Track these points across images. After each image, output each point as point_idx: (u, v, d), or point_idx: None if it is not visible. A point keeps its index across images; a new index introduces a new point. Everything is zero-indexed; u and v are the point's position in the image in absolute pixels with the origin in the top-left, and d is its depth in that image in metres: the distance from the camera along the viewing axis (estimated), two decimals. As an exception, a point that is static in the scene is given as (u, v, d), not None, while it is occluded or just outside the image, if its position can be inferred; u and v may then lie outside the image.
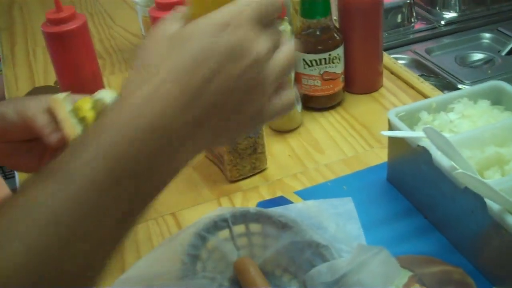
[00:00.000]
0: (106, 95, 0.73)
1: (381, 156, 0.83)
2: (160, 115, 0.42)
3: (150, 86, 0.42)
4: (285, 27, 0.84)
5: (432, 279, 0.65)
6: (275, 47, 0.46)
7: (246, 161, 0.81)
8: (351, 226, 0.71)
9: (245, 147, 0.80)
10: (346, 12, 0.92)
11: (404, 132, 0.69)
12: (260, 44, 0.44)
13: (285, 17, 0.85)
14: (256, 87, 0.45)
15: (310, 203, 0.75)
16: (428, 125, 0.63)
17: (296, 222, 0.67)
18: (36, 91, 1.11)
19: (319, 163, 0.82)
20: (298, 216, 0.69)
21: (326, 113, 0.92)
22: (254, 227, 0.69)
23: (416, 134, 0.69)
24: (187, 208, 0.78)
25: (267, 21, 0.45)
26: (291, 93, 0.48)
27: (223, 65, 0.43)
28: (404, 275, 0.65)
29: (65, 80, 0.97)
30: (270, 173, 0.83)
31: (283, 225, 0.67)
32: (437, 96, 0.82)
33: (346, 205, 0.74)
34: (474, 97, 0.76)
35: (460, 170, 0.57)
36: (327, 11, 0.87)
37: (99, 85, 1.00)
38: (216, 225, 0.68)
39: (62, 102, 0.70)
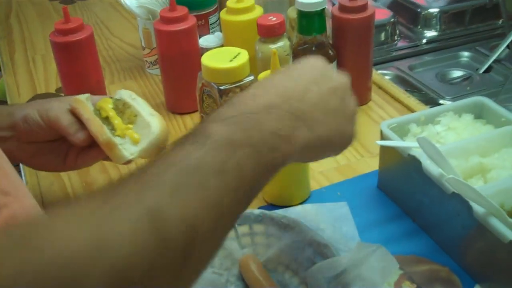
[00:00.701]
0: (125, 94, 0.78)
1: (371, 164, 0.89)
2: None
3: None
4: (285, 42, 0.90)
5: (421, 277, 0.71)
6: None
7: (246, 167, 0.87)
8: (347, 228, 0.77)
9: (246, 154, 0.86)
10: (339, 29, 0.98)
11: (397, 142, 0.76)
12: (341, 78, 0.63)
13: (284, 33, 0.90)
14: (347, 99, 0.62)
15: (308, 207, 0.81)
16: (421, 136, 0.70)
17: (297, 223, 0.72)
18: (38, 98, 1.15)
19: (314, 170, 0.88)
20: (297, 218, 0.74)
21: (319, 124, 0.98)
22: (258, 227, 0.74)
23: (407, 144, 0.75)
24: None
25: None
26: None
27: (318, 83, 0.59)
28: (395, 274, 0.71)
29: (70, 88, 1.01)
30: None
31: (285, 226, 0.73)
32: (425, 110, 0.88)
33: (342, 208, 0.80)
34: (459, 111, 0.82)
35: (451, 176, 0.64)
36: (323, 29, 0.93)
37: (103, 94, 1.05)
38: None
39: (86, 102, 0.74)
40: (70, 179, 0.91)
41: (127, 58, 1.26)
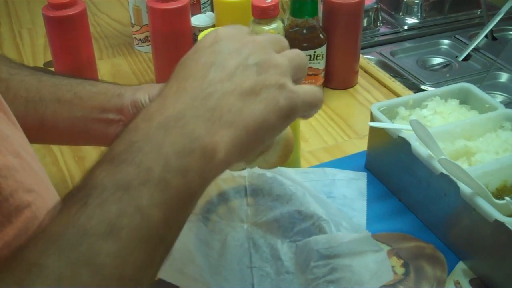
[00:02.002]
0: None
1: (358, 145, 0.92)
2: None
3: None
4: (278, 24, 0.92)
5: (407, 253, 0.74)
6: (281, 47, 0.51)
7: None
8: (358, 204, 0.78)
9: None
10: (330, 13, 1.00)
11: (388, 124, 0.79)
12: (261, 37, 0.50)
13: (278, 16, 0.92)
14: (266, 64, 0.47)
15: (328, 170, 0.82)
16: (414, 118, 0.73)
17: (305, 193, 0.75)
18: (26, 72, 1.15)
19: (303, 150, 0.90)
20: (314, 179, 0.76)
21: (307, 105, 1.01)
22: (267, 188, 0.77)
23: (398, 126, 0.78)
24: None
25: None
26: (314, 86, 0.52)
27: (223, 59, 0.47)
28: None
29: (61, 62, 1.02)
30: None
31: (292, 194, 0.75)
32: (413, 94, 0.91)
33: (359, 180, 0.81)
34: (445, 96, 0.86)
35: (443, 157, 0.67)
36: (315, 12, 0.95)
37: (93, 69, 1.05)
38: (234, 179, 0.75)
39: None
40: (62, 154, 0.92)
41: (115, 35, 1.26)
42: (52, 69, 1.09)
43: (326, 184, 0.80)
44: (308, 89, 0.50)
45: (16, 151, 0.44)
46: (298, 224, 0.72)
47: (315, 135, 0.95)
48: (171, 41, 1.01)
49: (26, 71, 0.74)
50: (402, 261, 0.73)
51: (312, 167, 0.87)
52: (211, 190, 0.76)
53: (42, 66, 1.16)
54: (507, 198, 0.63)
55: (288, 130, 0.63)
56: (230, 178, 0.77)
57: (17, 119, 0.49)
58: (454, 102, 0.85)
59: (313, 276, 0.66)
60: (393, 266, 0.72)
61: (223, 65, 0.47)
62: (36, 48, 1.22)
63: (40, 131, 0.70)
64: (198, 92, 0.45)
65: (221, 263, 0.68)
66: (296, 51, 0.52)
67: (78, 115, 0.70)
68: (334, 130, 0.96)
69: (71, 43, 1.00)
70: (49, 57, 1.10)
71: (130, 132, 0.44)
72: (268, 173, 0.78)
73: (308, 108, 0.50)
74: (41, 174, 0.47)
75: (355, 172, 0.84)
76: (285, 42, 0.53)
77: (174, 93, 0.46)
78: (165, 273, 0.59)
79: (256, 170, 0.76)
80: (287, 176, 0.78)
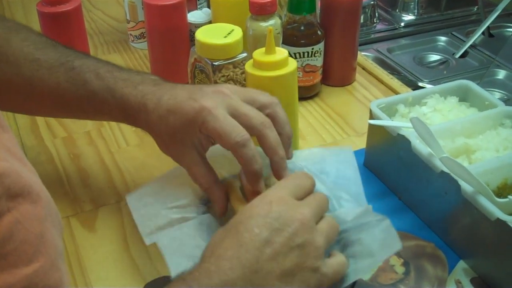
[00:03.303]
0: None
1: (356, 143, 0.91)
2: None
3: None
4: (276, 21, 0.91)
5: (408, 252, 0.73)
6: (317, 214, 0.60)
7: (236, 143, 0.88)
8: (350, 172, 0.76)
9: (236, 130, 0.87)
10: (328, 9, 0.99)
11: (388, 121, 0.78)
12: (301, 210, 0.57)
13: (275, 12, 0.91)
14: (307, 247, 0.56)
15: (315, 150, 0.80)
16: (415, 116, 0.72)
17: (300, 171, 0.73)
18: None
19: (302, 147, 0.90)
20: (305, 160, 0.75)
21: (305, 103, 1.00)
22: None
23: (398, 123, 0.77)
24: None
25: (302, 194, 0.60)
26: (341, 257, 0.60)
27: (271, 235, 0.55)
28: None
29: (56, 59, 1.01)
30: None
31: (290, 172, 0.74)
32: (412, 91, 0.91)
33: (347, 153, 0.79)
34: (444, 94, 0.85)
35: (445, 155, 0.66)
36: (313, 8, 0.95)
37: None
38: (231, 163, 0.73)
39: (237, 190, 0.69)
40: (58, 152, 0.91)
41: (110, 31, 1.25)
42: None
43: (317, 162, 0.79)
44: (337, 269, 0.59)
45: (4, 155, 0.43)
46: None
47: (313, 133, 0.94)
48: (167, 38, 1.00)
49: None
50: (402, 260, 0.72)
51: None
52: None
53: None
54: (510, 196, 0.63)
55: None
56: (226, 163, 0.76)
57: None
58: (453, 100, 0.84)
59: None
60: (393, 266, 0.72)
61: (272, 242, 0.54)
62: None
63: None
64: (249, 265, 0.53)
65: None
66: (332, 221, 0.62)
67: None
68: (332, 128, 0.95)
69: (65, 40, 0.98)
70: (44, 54, 1.09)
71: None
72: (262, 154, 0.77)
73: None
74: (29, 177, 0.46)
75: (340, 146, 0.85)
76: (327, 205, 0.63)
77: (230, 259, 0.53)
78: None
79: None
80: None
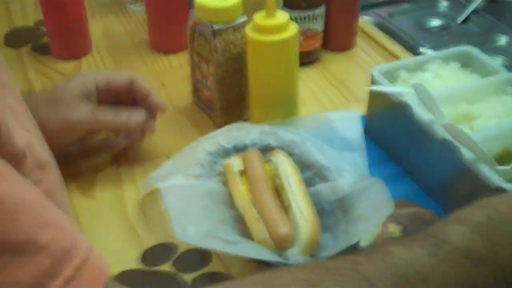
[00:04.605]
0: (284, 161, 0.71)
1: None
2: None
3: None
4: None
5: (406, 219, 0.73)
6: None
7: (235, 109, 0.87)
8: (355, 142, 0.77)
9: (235, 95, 0.86)
10: (329, -28, 0.98)
11: (389, 88, 0.77)
12: None
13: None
14: None
15: (321, 114, 0.82)
16: (417, 82, 0.71)
17: (304, 142, 0.75)
18: (16, 32, 1.12)
19: (302, 113, 0.89)
20: (309, 127, 0.77)
21: (305, 68, 0.99)
22: (263, 140, 0.77)
23: (400, 89, 0.76)
24: (179, 150, 0.83)
25: None
26: None
27: None
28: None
29: (52, 22, 0.99)
30: (255, 120, 0.88)
31: (292, 143, 0.76)
32: (414, 57, 0.90)
33: (353, 118, 0.80)
34: (446, 60, 0.84)
35: (448, 121, 0.65)
36: (314, -29, 0.93)
37: (84, 29, 1.03)
38: (234, 136, 0.76)
39: (236, 174, 0.71)
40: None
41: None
42: (43, 28, 1.06)
43: (323, 129, 0.79)
44: None
45: (26, 125, 0.43)
46: (301, 173, 0.72)
47: (313, 98, 0.93)
48: (165, 1, 0.98)
49: None
50: (401, 227, 0.72)
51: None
52: (211, 147, 0.76)
53: (32, 25, 1.13)
54: (512, 164, 0.63)
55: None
56: (231, 136, 0.76)
57: None
58: (455, 66, 0.83)
59: (333, 222, 0.68)
60: (392, 233, 0.71)
61: None
62: (26, 6, 1.19)
63: None
64: None
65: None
66: None
67: None
68: (333, 94, 0.94)
69: (62, 1, 0.97)
70: (40, 16, 1.08)
71: (489, 208, 0.48)
72: (266, 127, 0.77)
73: None
74: (45, 146, 0.46)
75: (347, 110, 0.83)
76: None
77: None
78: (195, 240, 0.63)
79: (254, 125, 0.78)
80: (284, 128, 0.78)
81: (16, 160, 0.39)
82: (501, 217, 0.45)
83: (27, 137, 0.42)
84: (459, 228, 0.44)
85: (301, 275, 0.43)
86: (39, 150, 0.43)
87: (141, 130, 0.78)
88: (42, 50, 1.05)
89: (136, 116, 0.75)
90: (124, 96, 0.79)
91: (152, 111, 0.79)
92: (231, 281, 0.46)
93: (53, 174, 0.45)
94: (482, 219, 0.45)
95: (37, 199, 0.38)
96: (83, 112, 0.73)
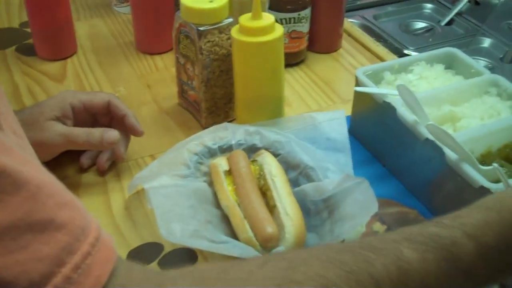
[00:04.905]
0: (270, 162, 0.71)
1: (342, 111, 0.91)
2: None
3: None
4: (262, -14, 0.89)
5: (391, 218, 0.74)
6: None
7: (221, 110, 0.87)
8: (340, 143, 0.78)
9: (221, 96, 0.86)
10: (315, -25, 0.98)
11: (374, 89, 0.78)
12: None
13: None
14: None
15: (307, 115, 0.82)
16: (401, 83, 0.72)
17: (289, 142, 0.75)
18: (1, 33, 1.11)
19: (287, 114, 0.89)
20: (296, 127, 0.78)
21: (290, 70, 0.99)
22: (249, 139, 0.77)
23: (385, 91, 0.77)
24: (164, 150, 0.83)
25: None
26: None
27: None
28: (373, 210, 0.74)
29: (38, 23, 0.99)
30: (241, 121, 0.89)
31: (278, 144, 0.76)
32: (399, 59, 0.90)
33: (339, 119, 0.81)
34: (431, 61, 0.85)
35: (431, 122, 0.66)
36: (299, -27, 0.93)
37: (71, 30, 1.02)
38: (220, 136, 0.76)
39: (221, 174, 0.71)
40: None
41: (93, -5, 1.23)
42: (28, 30, 1.06)
43: (308, 130, 0.80)
44: None
45: (13, 128, 0.43)
46: (286, 174, 0.72)
47: (299, 99, 0.94)
48: (151, 2, 0.98)
49: None
50: (385, 227, 0.72)
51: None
52: (197, 147, 0.76)
53: (17, 27, 1.13)
54: (494, 164, 0.63)
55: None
56: (217, 136, 0.77)
57: None
58: (439, 67, 0.84)
59: (318, 222, 0.69)
60: (376, 232, 0.72)
61: None
62: (11, 8, 1.18)
63: None
64: None
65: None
66: None
67: None
68: (318, 95, 0.94)
69: (47, 3, 0.96)
70: (25, 18, 1.07)
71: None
72: (251, 127, 0.78)
73: None
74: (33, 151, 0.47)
75: (333, 111, 0.84)
76: None
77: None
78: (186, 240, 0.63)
79: (240, 126, 0.79)
80: (269, 129, 0.78)
81: None
82: None
83: (16, 140, 0.43)
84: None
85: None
86: (28, 153, 0.44)
87: (120, 148, 0.80)
88: (27, 51, 1.05)
89: (109, 136, 0.77)
90: (101, 117, 0.81)
91: (128, 133, 0.81)
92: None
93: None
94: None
95: (54, 181, 0.41)
96: (56, 134, 0.76)
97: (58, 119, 0.77)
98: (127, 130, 0.81)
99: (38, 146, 0.72)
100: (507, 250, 0.48)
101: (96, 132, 0.77)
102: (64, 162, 0.81)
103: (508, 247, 0.48)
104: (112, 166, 0.81)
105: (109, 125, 0.81)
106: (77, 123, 0.79)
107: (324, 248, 0.49)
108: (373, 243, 0.47)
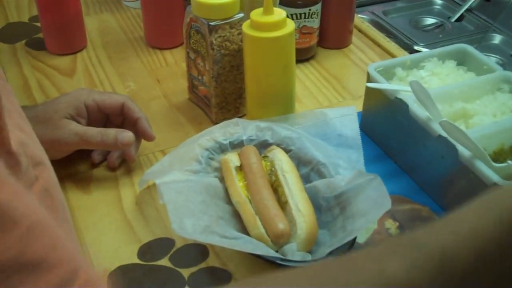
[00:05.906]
0: (281, 158, 0.71)
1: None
2: None
3: None
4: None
5: (403, 215, 0.73)
6: None
7: (231, 105, 0.87)
8: (352, 139, 0.78)
9: (231, 91, 0.86)
10: (326, -30, 0.98)
11: (386, 85, 0.77)
12: None
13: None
14: None
15: (318, 111, 0.82)
16: (414, 79, 0.71)
17: (301, 138, 0.75)
18: (11, 28, 1.11)
19: (297, 110, 0.89)
20: (307, 123, 0.78)
21: (301, 65, 0.99)
22: (261, 135, 0.77)
23: (397, 87, 0.77)
24: (175, 146, 0.83)
25: None
26: None
27: None
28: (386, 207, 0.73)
29: (47, 18, 0.99)
30: (252, 116, 0.88)
31: (289, 140, 0.76)
32: (410, 55, 0.90)
33: (350, 115, 0.80)
34: (442, 57, 0.84)
35: (444, 119, 0.66)
36: (310, -31, 0.93)
37: (80, 25, 1.02)
38: (231, 132, 0.76)
39: (232, 170, 0.71)
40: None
41: (102, -10, 1.23)
42: (38, 24, 1.06)
43: (319, 126, 0.79)
44: None
45: (19, 125, 0.43)
46: (297, 170, 0.72)
47: (309, 96, 0.93)
48: (162, -3, 0.98)
49: None
50: (397, 224, 0.72)
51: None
52: (208, 143, 0.76)
53: (27, 21, 1.13)
54: (509, 161, 0.63)
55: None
56: (228, 132, 0.77)
57: None
58: (451, 64, 0.84)
59: (330, 218, 0.68)
60: (388, 229, 0.72)
61: None
62: (21, 2, 1.18)
63: None
64: None
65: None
66: None
67: None
68: (328, 91, 0.94)
69: (57, -2, 0.96)
70: (35, 12, 1.07)
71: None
72: (262, 123, 0.77)
73: None
74: (39, 144, 0.46)
75: (344, 107, 0.83)
76: None
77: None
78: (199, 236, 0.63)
79: (251, 121, 0.78)
80: (280, 125, 0.78)
81: (13, 159, 0.39)
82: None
83: (21, 136, 0.42)
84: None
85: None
86: (33, 148, 0.44)
87: (132, 149, 0.80)
88: (37, 46, 1.05)
89: (123, 137, 0.76)
90: (114, 118, 0.81)
91: (139, 136, 0.81)
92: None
93: (49, 171, 0.45)
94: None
95: (46, 219, 0.39)
96: (71, 133, 0.75)
97: (73, 117, 0.76)
98: (139, 133, 0.80)
99: (52, 144, 0.73)
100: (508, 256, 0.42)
101: (111, 133, 0.76)
102: (76, 157, 0.81)
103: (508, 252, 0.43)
104: (123, 161, 0.81)
105: (121, 125, 0.81)
106: (90, 122, 0.79)
107: None
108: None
